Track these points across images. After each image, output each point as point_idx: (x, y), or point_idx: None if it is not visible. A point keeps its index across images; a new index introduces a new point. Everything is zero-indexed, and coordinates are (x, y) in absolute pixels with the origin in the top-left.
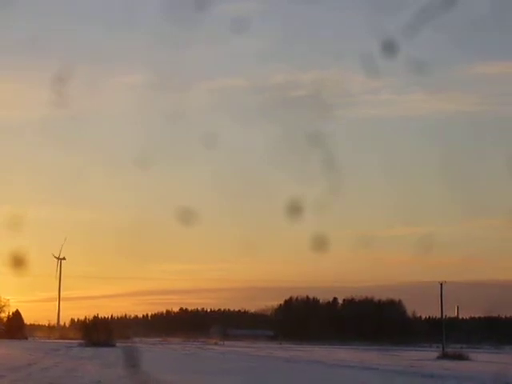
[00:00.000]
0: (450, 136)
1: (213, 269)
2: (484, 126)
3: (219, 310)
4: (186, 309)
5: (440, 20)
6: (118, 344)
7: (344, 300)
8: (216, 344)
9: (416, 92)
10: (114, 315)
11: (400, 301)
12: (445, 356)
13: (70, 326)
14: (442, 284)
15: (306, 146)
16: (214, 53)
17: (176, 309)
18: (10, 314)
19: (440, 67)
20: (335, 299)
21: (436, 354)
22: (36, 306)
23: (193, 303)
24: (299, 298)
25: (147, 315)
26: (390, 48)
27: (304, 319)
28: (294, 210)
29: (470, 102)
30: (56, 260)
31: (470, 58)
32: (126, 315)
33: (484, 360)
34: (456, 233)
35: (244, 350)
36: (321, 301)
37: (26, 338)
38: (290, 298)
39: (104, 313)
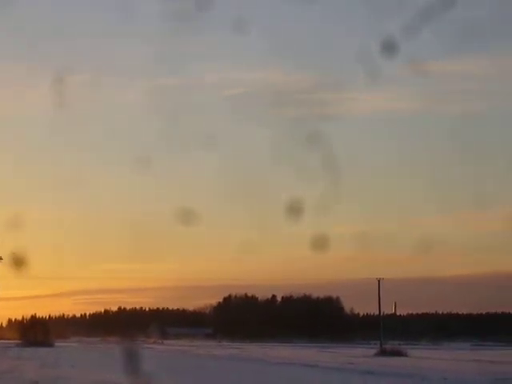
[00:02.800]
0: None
1: (151, 268)
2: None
3: (158, 308)
4: (125, 308)
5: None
6: (56, 344)
7: (282, 297)
8: (155, 343)
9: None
10: (52, 315)
11: (338, 298)
12: (383, 353)
13: (7, 326)
14: (379, 281)
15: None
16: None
17: (114, 308)
18: None
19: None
20: (274, 297)
21: (374, 351)
22: None
23: (131, 302)
24: (238, 295)
25: (85, 315)
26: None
27: (243, 317)
28: (232, 210)
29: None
30: None
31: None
32: (64, 315)
33: (422, 356)
34: (394, 230)
35: (184, 349)
36: (259, 298)
37: None
38: (229, 296)
39: (42, 313)
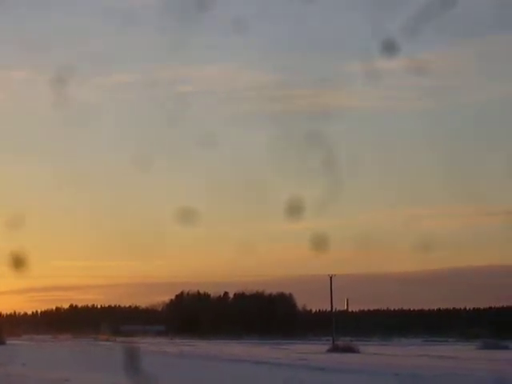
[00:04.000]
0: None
1: (103, 265)
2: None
3: (110, 306)
4: (76, 305)
5: None
6: (8, 342)
7: (235, 294)
8: (107, 340)
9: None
10: (3, 313)
11: (290, 294)
12: (335, 349)
13: None
14: (331, 277)
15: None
16: None
17: (66, 305)
18: None
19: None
20: (226, 294)
21: (326, 347)
22: None
23: (83, 299)
24: (190, 292)
25: (37, 312)
26: None
27: (195, 314)
28: (183, 208)
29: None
30: None
31: None
32: (15, 312)
33: (373, 352)
34: (344, 226)
35: (136, 346)
36: (212, 295)
37: None
38: (181, 293)
39: None
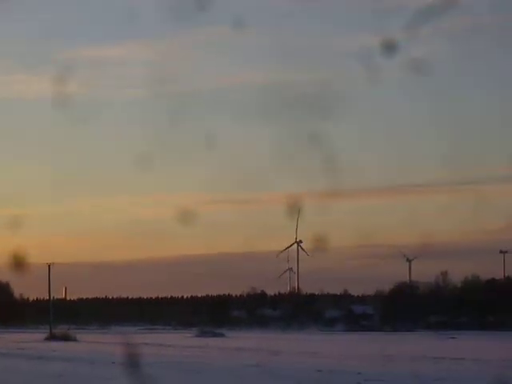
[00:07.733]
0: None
1: None
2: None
3: None
4: None
5: None
6: None
7: None
8: None
9: None
10: None
11: (8, 283)
12: (53, 337)
13: None
14: (50, 265)
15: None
16: None
17: None
18: None
19: None
20: None
21: (44, 336)
22: None
23: None
24: None
25: None
26: None
27: None
28: None
29: None
30: None
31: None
32: None
33: (89, 340)
34: (64, 214)
35: None
36: None
37: None
38: None
39: None
